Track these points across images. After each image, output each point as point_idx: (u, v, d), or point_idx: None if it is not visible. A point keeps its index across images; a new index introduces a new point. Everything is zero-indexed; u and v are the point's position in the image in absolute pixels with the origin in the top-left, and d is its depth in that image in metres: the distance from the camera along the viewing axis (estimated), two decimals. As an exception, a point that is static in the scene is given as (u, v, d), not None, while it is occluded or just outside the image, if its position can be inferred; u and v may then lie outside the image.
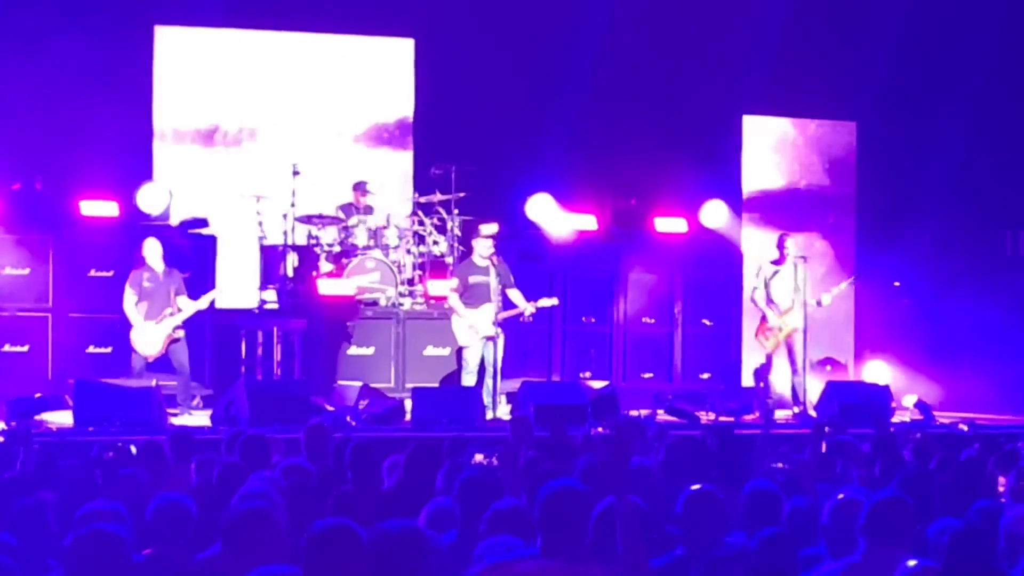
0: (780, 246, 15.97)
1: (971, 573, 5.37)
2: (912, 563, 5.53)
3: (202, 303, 14.44)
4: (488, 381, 14.66)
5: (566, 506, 5.34)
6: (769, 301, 15.84)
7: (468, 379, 14.82)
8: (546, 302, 15.09)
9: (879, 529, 5.82)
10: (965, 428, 13.64)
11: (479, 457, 8.10)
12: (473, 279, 14.84)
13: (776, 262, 15.94)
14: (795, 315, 15.70)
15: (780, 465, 8.33)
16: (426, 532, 5.37)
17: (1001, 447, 9.19)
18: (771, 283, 15.85)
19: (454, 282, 14.98)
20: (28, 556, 5.99)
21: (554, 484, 5.49)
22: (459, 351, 15.13)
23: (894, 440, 9.77)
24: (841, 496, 6.20)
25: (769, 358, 16.01)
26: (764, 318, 15.92)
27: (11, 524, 6.41)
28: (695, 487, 6.05)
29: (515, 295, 14.93)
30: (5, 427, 12.09)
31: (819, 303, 15.95)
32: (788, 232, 16.59)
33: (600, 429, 9.33)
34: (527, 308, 14.90)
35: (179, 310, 14.38)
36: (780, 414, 15.57)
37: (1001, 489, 7.89)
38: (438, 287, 15.94)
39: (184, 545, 5.90)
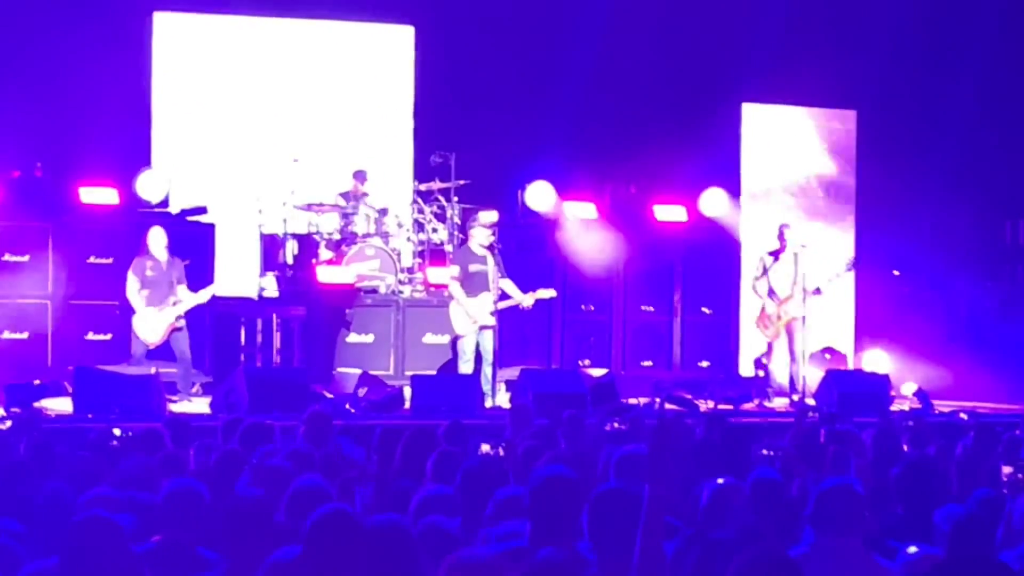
0: (780, 236, 15.98)
1: (973, 562, 5.37)
2: (912, 549, 5.53)
3: (201, 297, 14.42)
4: (487, 369, 14.66)
5: (557, 493, 5.36)
6: (770, 291, 15.85)
7: (465, 367, 14.81)
8: (543, 293, 15.08)
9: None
10: (965, 417, 13.62)
11: (485, 447, 8.10)
12: (473, 267, 14.83)
13: (776, 252, 15.94)
14: (794, 304, 15.71)
15: (767, 452, 8.33)
16: (414, 522, 5.39)
17: (999, 436, 9.18)
18: (771, 272, 15.87)
19: (455, 270, 14.95)
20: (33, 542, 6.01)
21: (544, 471, 5.52)
22: (454, 340, 15.12)
23: (894, 428, 9.77)
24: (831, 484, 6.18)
25: (770, 346, 16.02)
26: (764, 308, 15.93)
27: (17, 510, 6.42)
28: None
29: (508, 286, 14.92)
30: (4, 414, 12.08)
31: (818, 291, 15.94)
32: (788, 222, 16.61)
33: (616, 424, 9.28)
34: (524, 299, 14.89)
35: (180, 300, 14.37)
36: (779, 402, 15.58)
37: (1005, 478, 7.88)
38: (437, 275, 15.94)
39: (194, 532, 5.89)
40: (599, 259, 16.98)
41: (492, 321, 14.71)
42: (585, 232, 16.95)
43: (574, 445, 8.96)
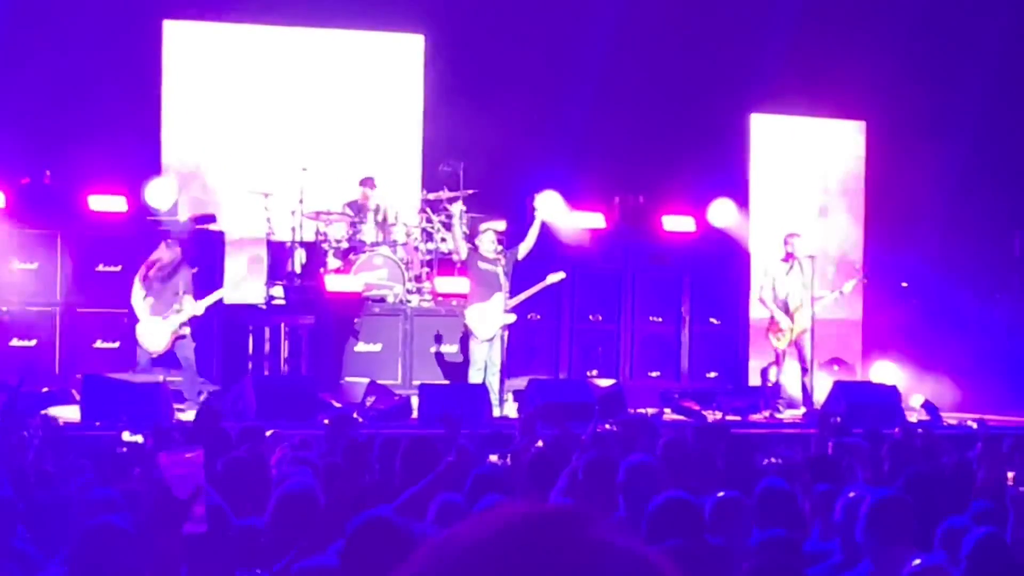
0: (787, 246, 15.97)
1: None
2: (916, 562, 5.52)
3: (200, 307, 14.39)
4: (491, 379, 14.67)
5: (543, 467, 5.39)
6: (777, 300, 15.82)
7: (475, 376, 14.82)
8: (554, 277, 15.24)
9: (882, 529, 5.80)
10: (974, 426, 13.57)
11: (494, 458, 8.12)
12: (483, 266, 14.87)
13: (783, 260, 15.93)
14: (803, 314, 15.69)
15: (773, 460, 8.33)
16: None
17: (1005, 447, 9.18)
18: (778, 282, 15.84)
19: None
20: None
21: (534, 450, 5.56)
22: (466, 348, 15.12)
23: (909, 439, 9.77)
24: (852, 494, 6.20)
25: (779, 357, 15.97)
26: (773, 318, 15.89)
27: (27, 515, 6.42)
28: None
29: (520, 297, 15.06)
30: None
31: (833, 296, 15.98)
32: (794, 231, 16.58)
33: (608, 426, 9.32)
34: (542, 284, 15.06)
35: (183, 308, 14.35)
36: (790, 414, 15.55)
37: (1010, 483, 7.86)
38: (446, 284, 15.96)
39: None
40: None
41: (511, 319, 14.78)
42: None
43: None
